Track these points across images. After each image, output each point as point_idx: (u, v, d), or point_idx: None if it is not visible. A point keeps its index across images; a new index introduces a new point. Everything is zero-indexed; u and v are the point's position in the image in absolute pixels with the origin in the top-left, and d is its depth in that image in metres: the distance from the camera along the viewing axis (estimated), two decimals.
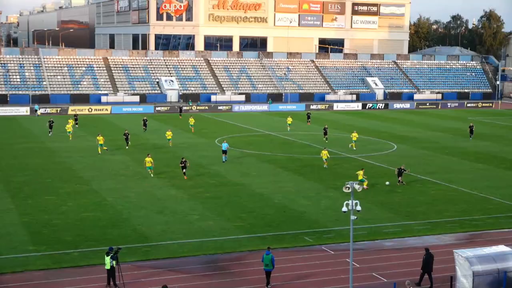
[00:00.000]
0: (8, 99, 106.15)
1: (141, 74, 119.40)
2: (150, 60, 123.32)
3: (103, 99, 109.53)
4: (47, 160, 58.49)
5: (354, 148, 66.82)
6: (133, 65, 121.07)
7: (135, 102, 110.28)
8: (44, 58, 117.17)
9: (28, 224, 37.42)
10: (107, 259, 28.29)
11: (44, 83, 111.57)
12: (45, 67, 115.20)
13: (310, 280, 29.82)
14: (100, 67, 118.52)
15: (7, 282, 28.60)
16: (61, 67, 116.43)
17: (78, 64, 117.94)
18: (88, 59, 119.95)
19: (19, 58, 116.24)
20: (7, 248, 33.21)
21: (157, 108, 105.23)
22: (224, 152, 58.06)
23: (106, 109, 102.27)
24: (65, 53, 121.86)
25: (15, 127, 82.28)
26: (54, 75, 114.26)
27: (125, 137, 67.08)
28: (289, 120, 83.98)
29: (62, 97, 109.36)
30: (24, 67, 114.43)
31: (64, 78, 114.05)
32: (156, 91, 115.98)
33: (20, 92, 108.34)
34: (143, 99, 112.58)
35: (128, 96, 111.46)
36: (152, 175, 51.48)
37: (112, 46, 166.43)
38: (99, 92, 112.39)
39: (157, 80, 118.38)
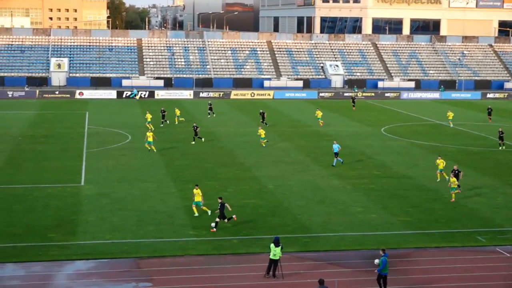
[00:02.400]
0: (173, 82, 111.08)
1: (305, 58, 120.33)
2: (315, 43, 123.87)
3: (266, 83, 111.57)
4: (208, 145, 60.45)
5: None
6: (297, 49, 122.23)
7: (298, 87, 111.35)
8: (208, 42, 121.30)
9: (189, 209, 38.73)
10: (277, 250, 28.32)
11: (208, 66, 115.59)
12: (209, 50, 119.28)
13: (480, 283, 28.59)
14: (263, 51, 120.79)
15: (167, 266, 29.80)
16: (224, 50, 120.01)
17: (241, 48, 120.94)
18: (252, 42, 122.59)
19: (184, 42, 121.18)
20: (168, 231, 34.58)
21: (320, 94, 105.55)
22: (336, 154, 52.15)
23: (269, 94, 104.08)
24: (229, 36, 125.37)
25: (180, 110, 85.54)
26: (218, 59, 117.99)
27: (194, 128, 62.40)
28: (450, 115, 75.07)
29: (225, 81, 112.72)
30: (188, 50, 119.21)
31: (227, 62, 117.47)
32: (320, 76, 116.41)
33: (184, 76, 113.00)
34: (307, 84, 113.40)
35: (291, 81, 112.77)
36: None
37: (276, 29, 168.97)
38: (262, 76, 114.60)
39: (321, 64, 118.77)
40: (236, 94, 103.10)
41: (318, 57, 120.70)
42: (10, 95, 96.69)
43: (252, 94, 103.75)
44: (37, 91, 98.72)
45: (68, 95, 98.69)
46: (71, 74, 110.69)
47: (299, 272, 29.37)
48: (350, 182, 46.55)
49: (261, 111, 74.26)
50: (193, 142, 60.63)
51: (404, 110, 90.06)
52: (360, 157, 55.43)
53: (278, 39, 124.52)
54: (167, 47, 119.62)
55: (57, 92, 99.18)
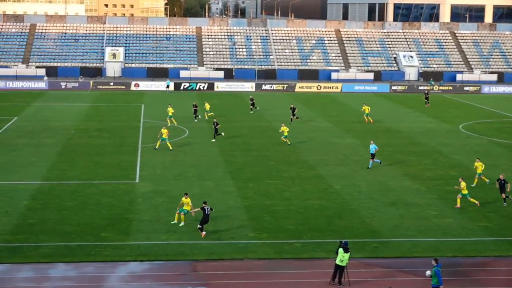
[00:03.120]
0: (234, 73, 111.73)
1: (376, 48, 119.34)
2: (387, 32, 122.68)
3: (333, 75, 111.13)
4: (271, 141, 60.57)
5: None
6: (368, 38, 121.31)
7: (369, 79, 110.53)
8: (272, 30, 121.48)
9: (249, 209, 39.05)
10: (346, 256, 28.25)
11: (271, 57, 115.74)
12: (273, 39, 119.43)
13: None
14: (331, 40, 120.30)
15: (225, 269, 30.02)
16: (289, 40, 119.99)
17: (307, 37, 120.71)
18: (319, 31, 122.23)
19: (246, 30, 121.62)
20: (227, 233, 34.88)
21: (393, 87, 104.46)
22: (372, 155, 50.40)
23: (336, 87, 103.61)
24: (295, 24, 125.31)
25: (240, 104, 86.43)
26: (282, 49, 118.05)
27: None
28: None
29: (289, 72, 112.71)
30: (251, 39, 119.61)
31: (292, 52, 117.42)
32: (392, 68, 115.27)
33: (246, 67, 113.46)
34: (378, 76, 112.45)
35: (361, 73, 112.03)
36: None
37: (345, 17, 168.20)
38: (329, 68, 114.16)
39: (394, 55, 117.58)
40: (301, 86, 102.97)
41: (390, 47, 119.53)
42: (63, 86, 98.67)
43: (319, 87, 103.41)
44: (91, 82, 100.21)
45: (123, 87, 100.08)
46: (126, 65, 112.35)
47: (367, 280, 29.19)
48: (424, 183, 45.99)
49: (292, 106, 73.34)
50: (214, 140, 59.99)
51: (485, 105, 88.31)
52: (436, 156, 54.73)
53: (347, 28, 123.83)
54: (228, 36, 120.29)
55: (111, 84, 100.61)
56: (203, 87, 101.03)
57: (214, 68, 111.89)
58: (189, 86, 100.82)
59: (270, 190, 43.47)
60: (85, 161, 51.21)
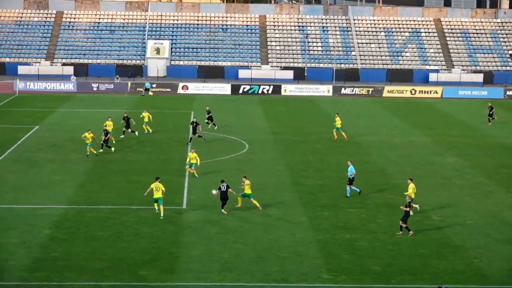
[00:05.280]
0: (306, 74, 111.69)
1: (487, 43, 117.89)
2: (501, 23, 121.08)
3: (432, 77, 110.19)
4: (352, 158, 59.93)
5: None
6: (476, 30, 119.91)
7: (477, 82, 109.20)
8: (354, 20, 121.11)
9: (323, 244, 38.89)
10: None
11: (353, 53, 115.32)
12: (355, 31, 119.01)
13: None
14: (429, 33, 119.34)
15: None
16: (376, 32, 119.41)
17: (399, 29, 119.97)
18: (414, 21, 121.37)
19: (322, 20, 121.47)
20: (296, 274, 34.74)
21: (508, 92, 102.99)
22: (350, 181, 48.98)
23: (436, 92, 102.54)
24: (383, 12, 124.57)
25: (313, 111, 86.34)
26: (367, 43, 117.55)
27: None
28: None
29: (376, 73, 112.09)
30: (327, 31, 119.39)
31: (379, 48, 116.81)
32: (508, 68, 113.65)
33: (321, 66, 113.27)
34: (489, 78, 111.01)
35: (467, 74, 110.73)
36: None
37: (447, 3, 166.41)
38: (427, 67, 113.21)
39: (510, 52, 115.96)
40: (391, 91, 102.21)
41: (505, 42, 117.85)
42: (94, 89, 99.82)
43: (413, 92, 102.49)
44: (129, 83, 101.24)
45: (169, 89, 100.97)
46: (172, 62, 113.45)
47: None
48: None
49: (207, 108, 73.15)
50: (189, 143, 63.39)
51: None
52: None
53: (450, 17, 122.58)
54: (299, 27, 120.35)
55: (154, 85, 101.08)
56: (267, 90, 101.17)
57: (281, 67, 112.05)
58: (250, 89, 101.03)
59: (351, 220, 43.18)
60: (121, 181, 51.68)
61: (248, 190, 44.63)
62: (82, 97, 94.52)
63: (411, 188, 45.12)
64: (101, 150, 60.12)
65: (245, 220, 42.66)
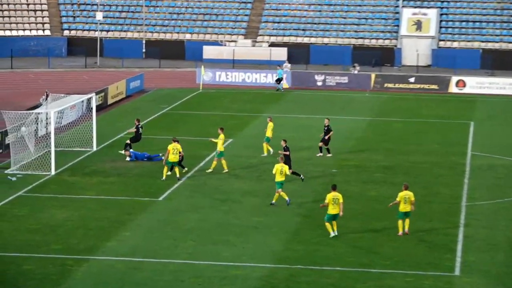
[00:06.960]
0: None
1: None
2: None
3: None
4: None
5: None
6: None
7: None
8: None
9: None
10: None
11: None
12: None
13: None
14: None
15: None
16: None
17: None
18: None
19: None
20: None
21: None
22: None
23: None
24: None
25: None
26: None
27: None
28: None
29: None
30: None
31: None
32: None
33: None
34: None
35: None
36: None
37: None
38: None
39: None
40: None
41: None
42: (319, 83, 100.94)
43: None
44: (372, 75, 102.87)
45: (435, 86, 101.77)
46: (441, 44, 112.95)
47: None
48: None
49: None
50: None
51: None
52: None
53: None
54: None
55: (411, 80, 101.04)
56: None
57: None
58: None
59: None
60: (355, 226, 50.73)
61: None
62: (298, 96, 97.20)
63: None
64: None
65: None
